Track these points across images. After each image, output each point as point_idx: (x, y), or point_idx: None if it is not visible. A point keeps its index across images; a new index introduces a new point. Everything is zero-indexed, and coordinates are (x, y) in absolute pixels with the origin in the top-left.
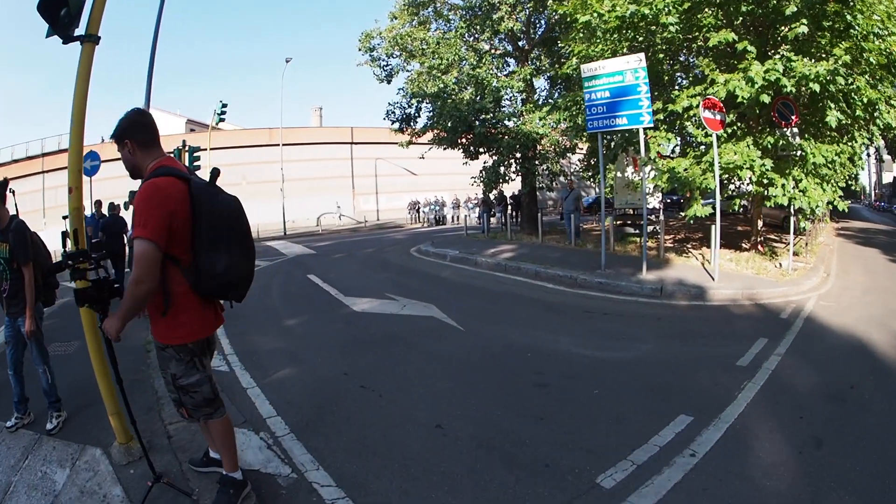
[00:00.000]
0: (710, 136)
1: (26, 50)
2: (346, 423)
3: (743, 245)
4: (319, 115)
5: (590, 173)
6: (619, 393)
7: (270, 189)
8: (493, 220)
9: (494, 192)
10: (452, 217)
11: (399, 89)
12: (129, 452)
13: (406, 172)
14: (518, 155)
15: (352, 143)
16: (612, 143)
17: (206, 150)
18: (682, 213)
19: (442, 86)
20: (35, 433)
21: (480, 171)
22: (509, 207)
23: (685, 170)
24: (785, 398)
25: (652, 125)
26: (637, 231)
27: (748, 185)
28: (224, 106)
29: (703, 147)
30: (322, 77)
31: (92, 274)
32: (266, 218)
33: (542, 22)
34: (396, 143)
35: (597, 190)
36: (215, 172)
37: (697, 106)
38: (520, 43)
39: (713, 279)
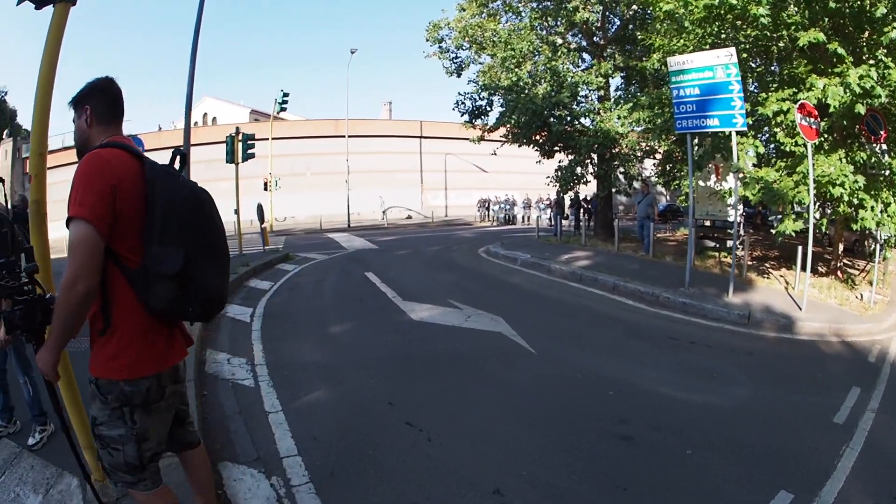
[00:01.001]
0: (802, 145)
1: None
2: (379, 475)
3: (819, 268)
4: (389, 110)
5: (664, 179)
6: (714, 455)
7: (335, 181)
8: (564, 222)
9: (571, 193)
10: (523, 217)
11: (469, 81)
12: (106, 493)
13: (476, 169)
14: (594, 155)
15: (421, 136)
16: (697, 147)
17: (267, 139)
18: (773, 230)
19: (515, 79)
20: (17, 445)
21: (556, 171)
22: (582, 210)
23: (775, 181)
24: (884, 471)
25: (745, 128)
26: (716, 245)
27: (829, 204)
28: (285, 95)
29: (790, 157)
30: (390, 70)
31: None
32: (330, 210)
33: (617, 19)
34: (467, 139)
35: (668, 197)
36: (177, 154)
37: (788, 111)
38: (594, 38)
39: (800, 308)
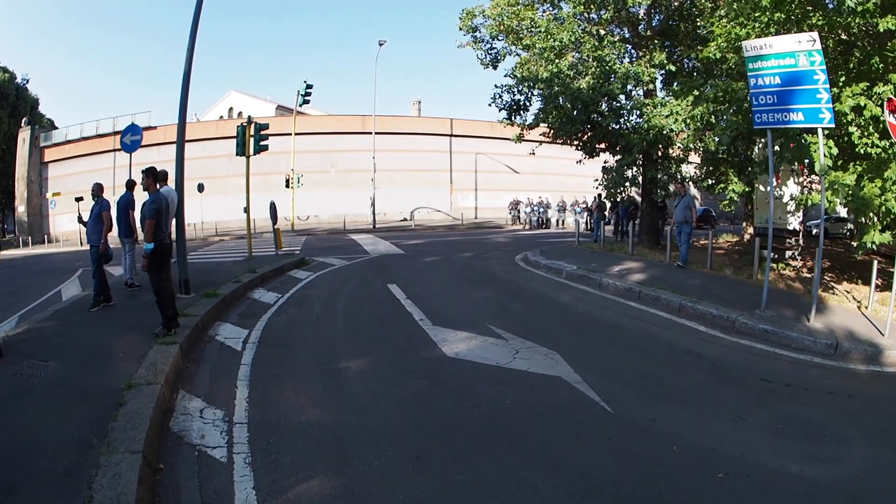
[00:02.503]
0: (883, 147)
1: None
2: None
3: (877, 282)
4: (418, 109)
5: (708, 181)
6: None
7: (361, 178)
8: (608, 228)
9: (623, 196)
10: (557, 221)
11: (505, 75)
12: None
13: (507, 170)
14: (639, 155)
15: (451, 135)
16: (760, 146)
17: (290, 134)
18: (855, 243)
19: (556, 70)
20: None
21: (603, 172)
22: (631, 215)
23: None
24: None
25: (833, 125)
26: (776, 255)
27: None
28: (309, 87)
29: (864, 160)
30: (419, 65)
31: None
32: (355, 209)
33: (662, 9)
34: (498, 138)
35: (700, 201)
36: None
37: (865, 106)
38: (640, 28)
39: (882, 334)
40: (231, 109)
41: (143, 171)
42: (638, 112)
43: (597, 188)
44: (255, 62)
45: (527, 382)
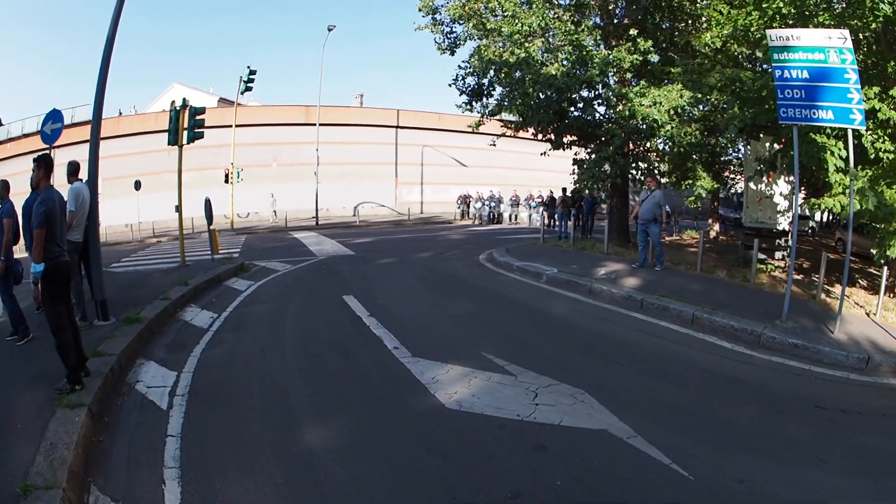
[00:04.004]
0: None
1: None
2: None
3: (859, 280)
4: (360, 104)
5: (676, 176)
6: None
7: (303, 172)
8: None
9: (600, 191)
10: (511, 216)
11: (464, 61)
12: None
13: (454, 163)
14: (619, 147)
15: (397, 126)
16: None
17: (231, 126)
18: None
19: (524, 55)
20: None
21: (578, 166)
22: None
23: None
24: None
25: (863, 126)
26: (765, 256)
27: None
28: (252, 73)
29: (873, 165)
30: (364, 58)
31: None
32: (297, 204)
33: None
34: (446, 130)
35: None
36: None
37: (880, 110)
38: (615, 11)
39: None
40: (173, 102)
41: (35, 160)
42: (617, 101)
43: (574, 182)
44: (201, 58)
45: (569, 445)
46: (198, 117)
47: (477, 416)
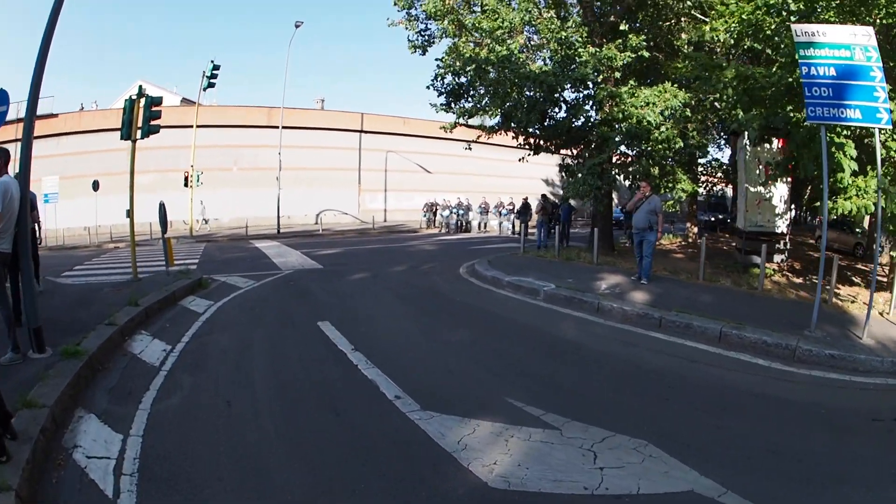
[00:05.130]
0: None
1: None
2: None
3: (853, 279)
4: (321, 108)
5: (657, 179)
6: None
7: (264, 177)
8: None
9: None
10: (480, 224)
11: (437, 59)
12: None
13: (419, 169)
14: (604, 154)
15: (361, 131)
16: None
17: (191, 126)
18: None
19: (506, 52)
20: None
21: (569, 173)
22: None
23: None
24: None
25: (890, 125)
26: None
27: None
28: (215, 67)
29: (884, 164)
30: (327, 62)
31: None
32: (258, 211)
33: None
34: (412, 136)
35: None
36: None
37: (892, 111)
38: (601, 20)
39: None
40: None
41: None
42: (609, 102)
43: (564, 190)
44: (168, 59)
45: None
46: (154, 109)
47: (534, 497)
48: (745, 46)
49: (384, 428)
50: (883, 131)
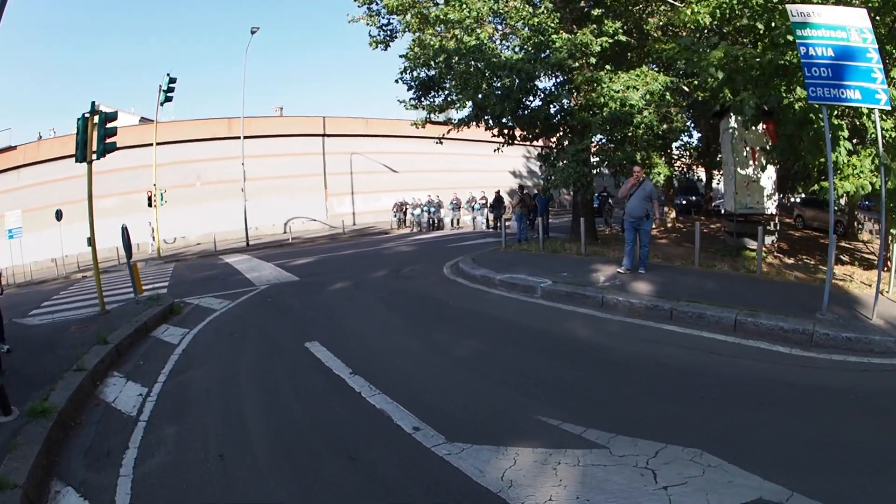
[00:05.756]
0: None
1: None
2: None
3: (841, 258)
4: (280, 115)
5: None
6: None
7: (229, 190)
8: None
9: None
10: (452, 220)
11: (401, 56)
12: None
13: (385, 169)
14: (585, 139)
15: (324, 135)
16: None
17: (151, 144)
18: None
19: (476, 42)
20: None
21: (549, 163)
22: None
23: None
24: None
25: (889, 107)
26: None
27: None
28: (172, 81)
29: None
30: (285, 70)
31: None
32: (225, 225)
33: None
34: (375, 136)
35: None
36: None
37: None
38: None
39: None
40: (95, 124)
41: None
42: (589, 87)
43: (544, 180)
44: (124, 82)
45: None
46: (109, 125)
47: None
48: (738, 25)
49: (411, 470)
50: (873, 112)
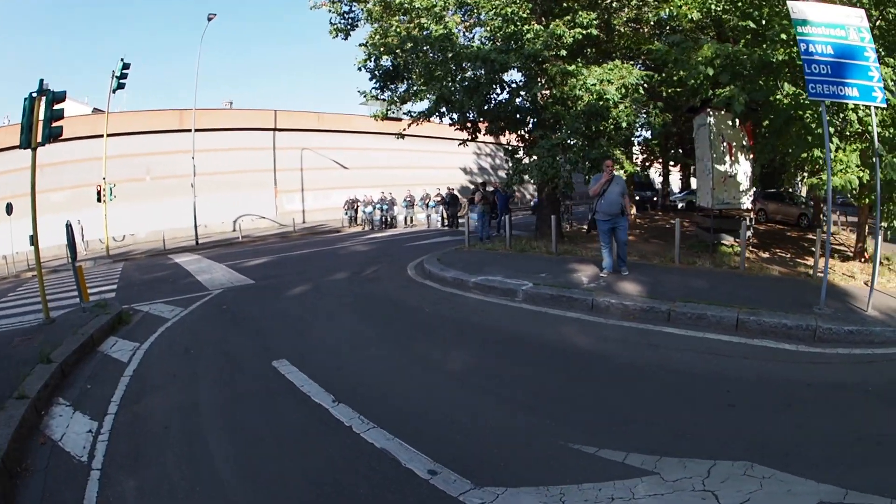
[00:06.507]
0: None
1: None
2: None
3: (812, 250)
4: (230, 108)
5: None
6: None
7: (179, 186)
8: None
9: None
10: (406, 218)
11: (361, 44)
12: None
13: (335, 166)
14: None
15: (275, 129)
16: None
17: (102, 136)
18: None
19: (444, 31)
20: None
21: (514, 159)
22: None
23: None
24: None
25: (885, 105)
26: (736, 238)
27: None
28: (126, 66)
29: (857, 140)
30: (237, 65)
31: None
32: (174, 222)
33: None
34: (326, 131)
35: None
36: None
37: None
38: None
39: None
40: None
41: None
42: (562, 80)
43: (508, 176)
44: (79, 73)
45: None
46: (56, 106)
47: None
48: (729, 25)
49: None
50: (859, 108)
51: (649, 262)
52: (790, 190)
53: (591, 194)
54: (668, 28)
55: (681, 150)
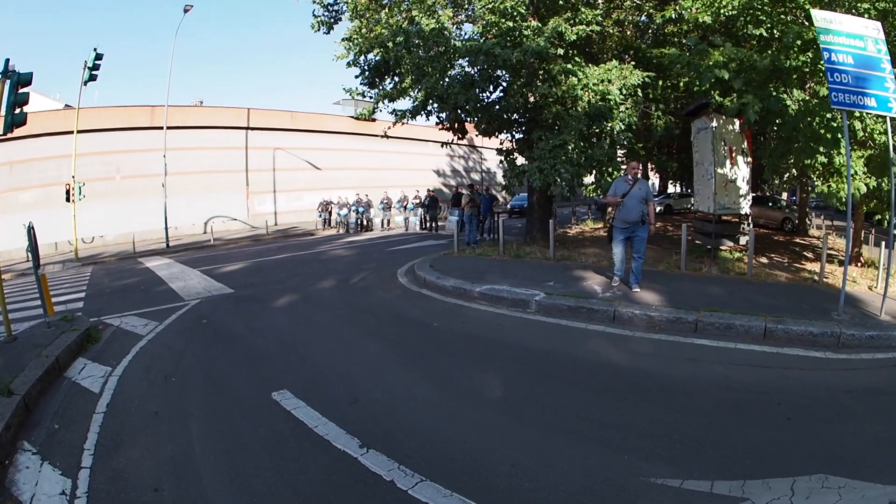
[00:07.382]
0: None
1: None
2: None
3: (807, 255)
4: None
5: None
6: None
7: (149, 186)
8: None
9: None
10: (383, 221)
11: (344, 39)
12: None
13: (308, 167)
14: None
15: (248, 128)
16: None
17: (72, 132)
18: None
19: (437, 26)
20: None
21: (509, 161)
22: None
23: None
24: None
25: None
26: (733, 242)
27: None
28: (98, 57)
29: (862, 147)
30: (213, 58)
31: None
32: (144, 224)
33: None
34: (299, 131)
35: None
36: None
37: None
38: None
39: None
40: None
41: None
42: (564, 78)
43: (505, 179)
44: (51, 67)
45: None
46: (21, 90)
47: None
48: (740, 34)
49: None
50: (865, 117)
51: (656, 268)
52: (769, 194)
53: (609, 200)
54: (650, 31)
55: (664, 155)
